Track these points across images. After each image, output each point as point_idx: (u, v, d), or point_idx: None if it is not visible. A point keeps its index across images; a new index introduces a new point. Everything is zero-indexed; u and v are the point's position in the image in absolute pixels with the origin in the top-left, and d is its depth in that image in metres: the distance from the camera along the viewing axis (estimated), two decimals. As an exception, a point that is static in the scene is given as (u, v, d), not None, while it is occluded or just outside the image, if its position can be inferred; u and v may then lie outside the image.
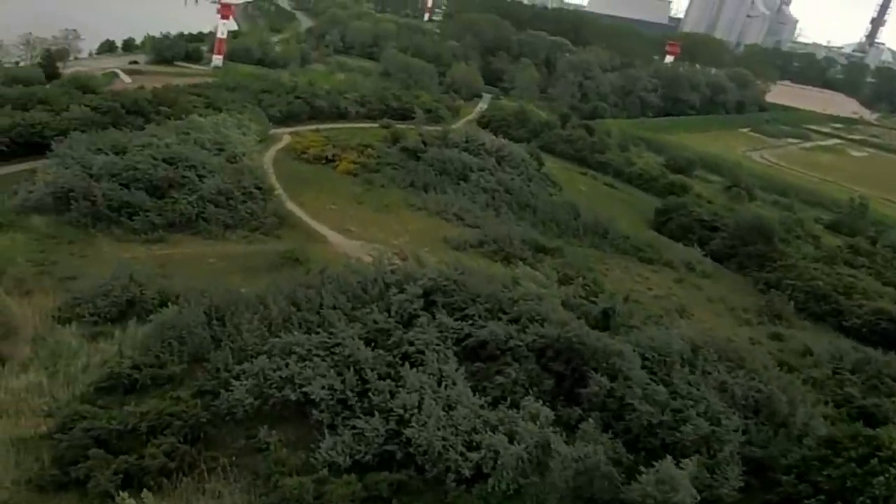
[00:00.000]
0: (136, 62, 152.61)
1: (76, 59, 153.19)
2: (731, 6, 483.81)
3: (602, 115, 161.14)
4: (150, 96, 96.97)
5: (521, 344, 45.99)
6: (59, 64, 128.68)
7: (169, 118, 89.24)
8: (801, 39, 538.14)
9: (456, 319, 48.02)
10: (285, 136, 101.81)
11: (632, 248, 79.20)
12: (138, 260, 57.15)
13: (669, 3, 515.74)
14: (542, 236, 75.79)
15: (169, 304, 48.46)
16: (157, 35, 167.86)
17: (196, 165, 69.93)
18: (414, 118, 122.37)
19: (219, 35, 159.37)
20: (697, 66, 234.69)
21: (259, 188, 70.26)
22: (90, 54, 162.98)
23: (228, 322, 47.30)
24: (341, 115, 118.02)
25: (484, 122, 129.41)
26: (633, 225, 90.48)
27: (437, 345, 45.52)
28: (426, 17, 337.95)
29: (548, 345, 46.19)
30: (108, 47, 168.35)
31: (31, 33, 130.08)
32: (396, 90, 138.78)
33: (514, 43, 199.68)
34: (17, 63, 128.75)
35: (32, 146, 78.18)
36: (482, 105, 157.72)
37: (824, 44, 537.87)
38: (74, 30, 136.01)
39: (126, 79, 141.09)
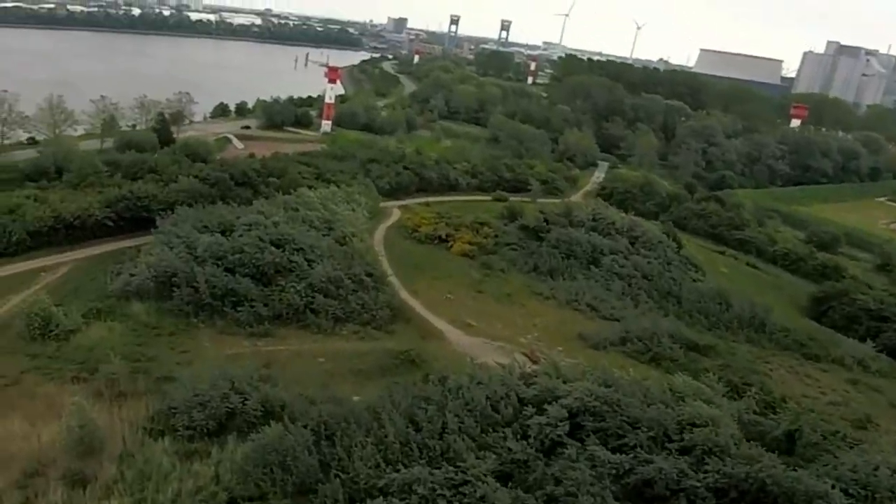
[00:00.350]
0: (248, 127, 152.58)
1: (190, 122, 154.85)
2: (845, 66, 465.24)
3: (730, 184, 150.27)
4: (258, 166, 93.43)
5: (697, 484, 37.14)
6: (174, 128, 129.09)
7: (278, 191, 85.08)
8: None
9: (612, 450, 39.47)
10: (395, 209, 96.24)
11: (794, 343, 68.95)
12: (242, 357, 51.22)
13: (781, 62, 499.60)
14: (692, 331, 66.34)
15: (273, 417, 42.04)
16: (268, 99, 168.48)
17: (304, 248, 64.24)
18: (529, 190, 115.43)
19: (327, 100, 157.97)
20: (823, 129, 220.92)
21: (370, 275, 63.89)
22: (204, 118, 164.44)
23: (339, 443, 40.15)
24: (451, 187, 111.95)
25: (605, 195, 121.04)
26: (787, 313, 79.46)
27: (592, 484, 37.13)
28: (529, 80, 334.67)
29: (731, 484, 37.25)
30: (221, 111, 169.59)
31: (145, 96, 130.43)
32: (508, 159, 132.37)
33: (628, 107, 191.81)
34: (133, 126, 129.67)
35: (139, 221, 75.13)
36: (599, 174, 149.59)
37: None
38: (188, 93, 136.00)
39: (238, 144, 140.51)
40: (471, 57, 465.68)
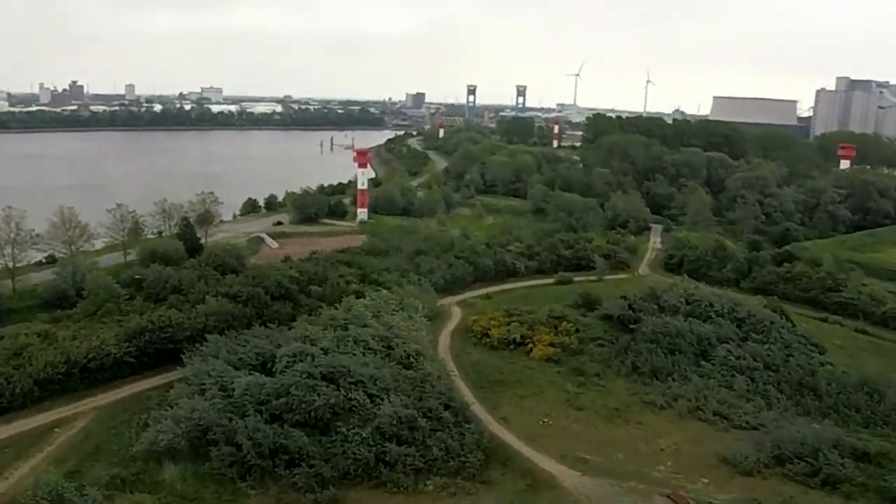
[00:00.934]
0: (280, 223, 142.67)
1: (220, 222, 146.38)
2: (859, 100, 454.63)
3: (795, 237, 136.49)
4: (295, 272, 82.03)
5: None
6: (202, 231, 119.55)
7: (321, 302, 73.64)
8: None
9: None
10: (454, 307, 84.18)
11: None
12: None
13: (796, 103, 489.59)
14: (849, 433, 52.71)
15: None
16: (297, 191, 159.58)
17: (364, 380, 51.97)
18: (593, 267, 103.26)
19: (359, 186, 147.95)
20: (868, 167, 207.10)
21: (449, 407, 51.33)
22: (234, 216, 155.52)
23: None
24: (509, 273, 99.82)
25: (674, 264, 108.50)
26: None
27: None
28: (555, 143, 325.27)
29: None
30: (250, 207, 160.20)
31: (166, 200, 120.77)
32: (561, 234, 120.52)
33: (669, 163, 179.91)
34: (159, 233, 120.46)
35: (164, 353, 63.70)
36: (655, 239, 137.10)
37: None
38: (211, 193, 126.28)
39: (272, 243, 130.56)
40: (492, 125, 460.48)
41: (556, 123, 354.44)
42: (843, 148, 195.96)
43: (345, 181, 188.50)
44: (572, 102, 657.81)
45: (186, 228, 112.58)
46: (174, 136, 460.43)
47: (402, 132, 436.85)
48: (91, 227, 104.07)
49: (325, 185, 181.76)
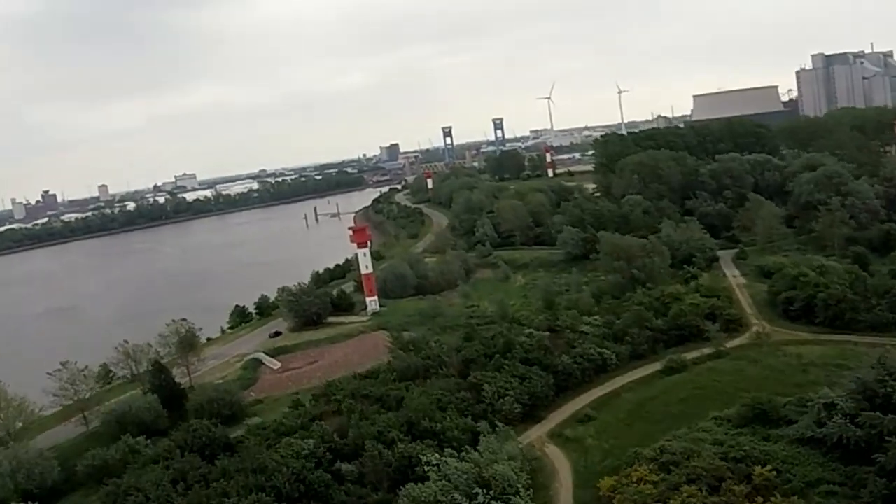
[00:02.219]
0: (278, 333, 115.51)
1: (207, 339, 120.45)
2: (841, 74, 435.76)
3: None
4: (316, 444, 54.76)
5: None
6: (179, 371, 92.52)
7: (362, 492, 46.38)
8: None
9: None
10: (548, 447, 57.29)
11: None
12: None
13: (776, 88, 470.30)
14: None
15: None
16: (291, 286, 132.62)
17: None
18: (707, 338, 76.46)
19: (363, 270, 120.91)
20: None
21: None
22: (222, 331, 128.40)
23: None
24: (597, 368, 72.59)
25: (799, 309, 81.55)
26: None
27: None
28: (549, 173, 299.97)
29: None
30: (239, 317, 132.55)
31: (126, 342, 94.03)
32: (639, 295, 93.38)
33: (707, 175, 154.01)
34: (130, 377, 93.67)
35: None
36: (730, 272, 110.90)
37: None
38: (184, 320, 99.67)
39: (272, 363, 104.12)
40: (475, 164, 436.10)
41: (548, 151, 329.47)
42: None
43: (341, 260, 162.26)
44: (548, 127, 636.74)
45: (159, 375, 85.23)
46: (152, 233, 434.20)
47: (385, 188, 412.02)
48: (31, 402, 77.77)
49: (321, 270, 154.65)
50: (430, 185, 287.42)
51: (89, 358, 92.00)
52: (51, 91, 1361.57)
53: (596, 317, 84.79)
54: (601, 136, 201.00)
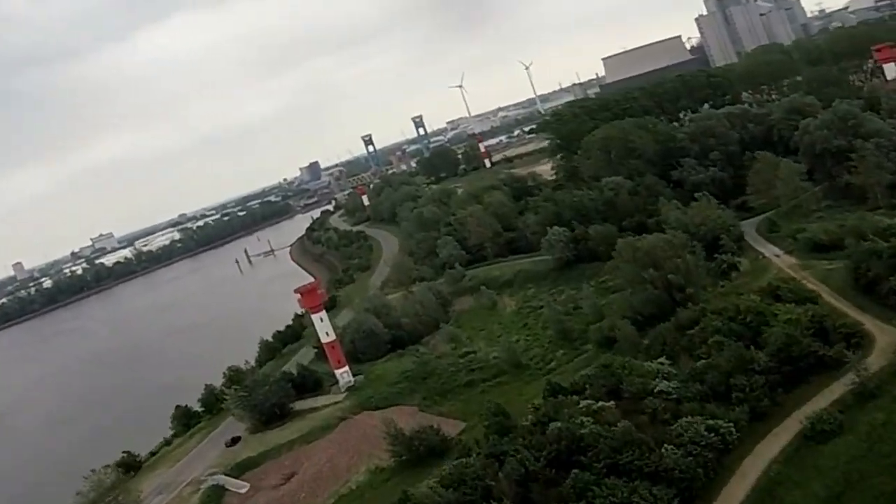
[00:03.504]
0: (236, 439, 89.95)
1: (149, 455, 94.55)
2: (739, 15, 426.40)
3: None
4: None
5: None
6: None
7: None
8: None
9: None
10: None
11: None
12: None
13: (679, 37, 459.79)
14: None
15: None
16: (241, 366, 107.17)
17: None
18: (826, 363, 54.17)
19: (324, 339, 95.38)
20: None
21: None
22: (164, 441, 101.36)
23: None
24: (720, 450, 49.07)
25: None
26: None
27: None
28: (487, 164, 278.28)
29: None
30: (183, 419, 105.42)
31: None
32: (710, 322, 70.02)
33: (687, 138, 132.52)
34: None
35: None
36: (774, 251, 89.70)
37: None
38: (106, 467, 73.86)
39: (239, 486, 79.45)
40: (404, 167, 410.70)
41: (480, 141, 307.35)
42: (880, 51, 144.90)
43: (289, 310, 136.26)
44: (464, 115, 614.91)
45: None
46: (76, 308, 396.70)
47: (315, 211, 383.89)
48: None
49: (271, 337, 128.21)
50: (366, 202, 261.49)
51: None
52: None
53: (662, 360, 61.64)
54: (551, 114, 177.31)
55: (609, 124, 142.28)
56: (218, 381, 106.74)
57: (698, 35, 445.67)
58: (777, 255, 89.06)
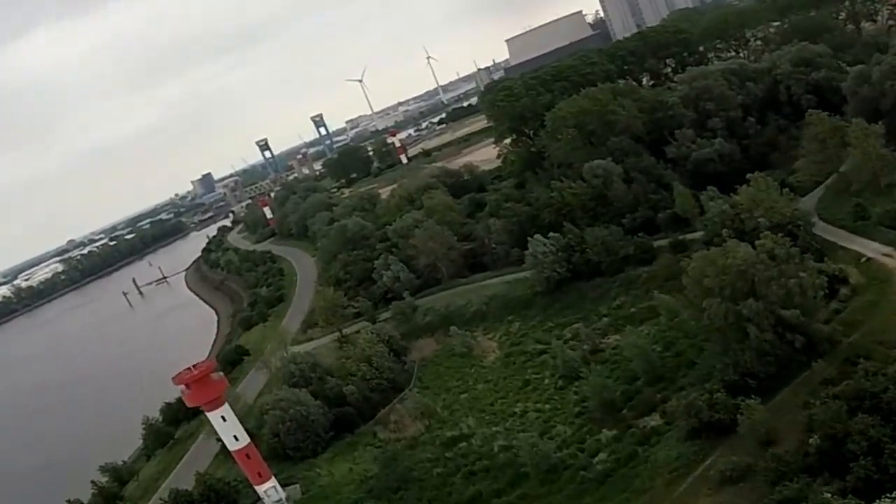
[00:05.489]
0: None
1: None
2: None
3: None
4: None
5: None
6: None
7: None
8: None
9: None
10: None
11: None
12: None
13: (581, 12, 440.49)
14: None
15: None
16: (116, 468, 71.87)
17: None
18: None
19: (232, 448, 59.48)
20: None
21: None
22: None
23: None
24: None
25: None
26: None
27: None
28: (403, 160, 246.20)
29: None
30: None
31: None
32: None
33: (677, 103, 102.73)
34: None
35: None
36: (881, 250, 60.87)
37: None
38: None
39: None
40: (306, 171, 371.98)
41: (393, 135, 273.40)
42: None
43: (185, 360, 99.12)
44: (365, 112, 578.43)
45: None
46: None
47: (211, 227, 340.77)
48: None
49: (159, 414, 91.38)
50: (269, 215, 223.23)
51: None
52: None
53: None
54: (495, 89, 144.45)
55: (580, 94, 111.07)
56: (85, 483, 71.96)
57: (599, 9, 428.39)
58: (888, 255, 60.34)
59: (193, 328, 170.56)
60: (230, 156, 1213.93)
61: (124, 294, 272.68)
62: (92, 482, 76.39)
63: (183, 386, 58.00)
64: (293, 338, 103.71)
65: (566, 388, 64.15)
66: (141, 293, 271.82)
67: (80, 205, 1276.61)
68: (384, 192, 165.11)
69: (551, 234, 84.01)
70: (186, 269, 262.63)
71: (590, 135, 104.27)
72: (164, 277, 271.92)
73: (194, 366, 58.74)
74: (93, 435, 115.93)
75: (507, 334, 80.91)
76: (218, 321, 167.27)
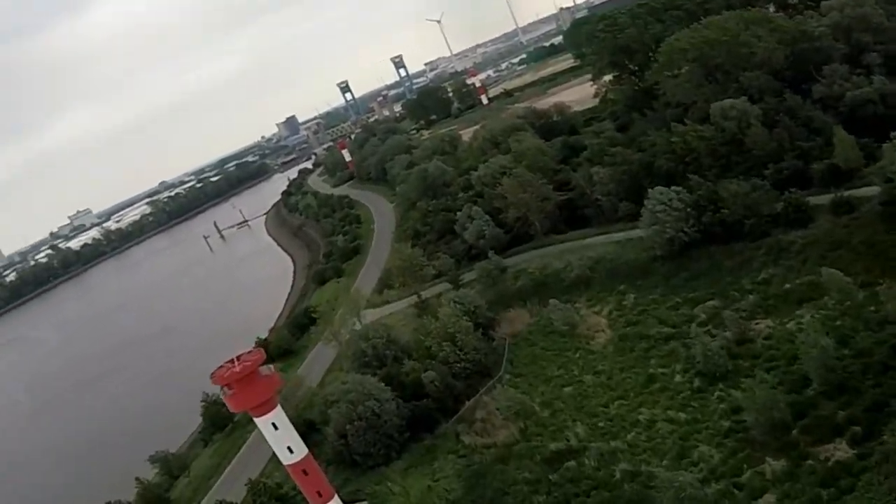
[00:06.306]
0: None
1: None
2: None
3: None
4: None
5: None
6: None
7: None
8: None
9: None
10: None
11: None
12: None
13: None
14: None
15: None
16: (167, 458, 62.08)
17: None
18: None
19: (286, 460, 44.74)
20: None
21: None
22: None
23: None
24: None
25: None
26: None
27: None
28: (484, 101, 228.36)
29: None
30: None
31: None
32: None
33: (827, 33, 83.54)
34: None
35: None
36: None
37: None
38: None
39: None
40: (387, 114, 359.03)
41: (474, 75, 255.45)
42: None
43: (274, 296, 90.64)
44: (444, 55, 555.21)
45: None
46: (41, 303, 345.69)
47: (294, 170, 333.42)
48: None
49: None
50: (347, 158, 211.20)
51: None
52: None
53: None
54: (583, 26, 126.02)
55: (702, 23, 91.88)
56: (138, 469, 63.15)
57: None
58: None
59: (269, 279, 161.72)
60: (314, 98, 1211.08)
61: (205, 238, 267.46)
62: (136, 479, 66.14)
63: (226, 388, 45.10)
64: (368, 299, 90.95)
65: (707, 390, 48.80)
66: (223, 237, 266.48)
67: (173, 148, 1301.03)
68: (465, 134, 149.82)
69: (672, 186, 67.45)
70: (266, 213, 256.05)
71: (714, 70, 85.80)
72: (246, 221, 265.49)
73: (238, 357, 45.81)
74: (157, 404, 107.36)
75: (619, 308, 65.35)
76: (294, 270, 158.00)
